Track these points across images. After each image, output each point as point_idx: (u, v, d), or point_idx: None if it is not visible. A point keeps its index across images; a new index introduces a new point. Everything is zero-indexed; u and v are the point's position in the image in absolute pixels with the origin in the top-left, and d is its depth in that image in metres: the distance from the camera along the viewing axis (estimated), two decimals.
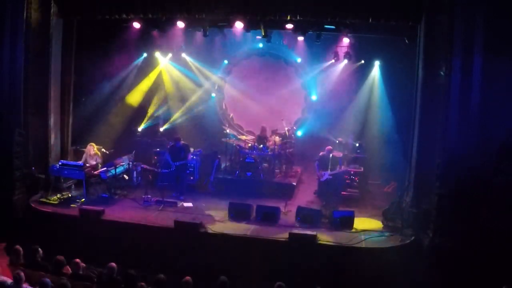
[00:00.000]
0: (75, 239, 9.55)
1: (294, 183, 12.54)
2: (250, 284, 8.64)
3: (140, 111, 14.79)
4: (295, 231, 9.62)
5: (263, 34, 12.05)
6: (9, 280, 6.61)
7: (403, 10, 9.99)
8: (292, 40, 13.82)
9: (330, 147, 11.41)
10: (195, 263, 9.14)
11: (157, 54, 14.60)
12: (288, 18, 10.72)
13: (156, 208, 10.89)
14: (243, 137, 14.13)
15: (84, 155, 11.60)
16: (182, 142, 11.59)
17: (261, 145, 13.17)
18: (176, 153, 11.41)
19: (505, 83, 8.86)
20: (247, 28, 11.85)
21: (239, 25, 11.57)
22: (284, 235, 9.45)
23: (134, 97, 14.68)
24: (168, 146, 12.13)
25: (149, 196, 11.25)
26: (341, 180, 11.91)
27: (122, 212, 10.58)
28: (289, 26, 11.39)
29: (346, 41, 13.16)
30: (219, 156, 13.56)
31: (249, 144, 13.39)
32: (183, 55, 14.74)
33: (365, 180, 12.46)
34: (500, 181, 8.83)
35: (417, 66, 10.14)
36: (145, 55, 14.59)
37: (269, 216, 10.30)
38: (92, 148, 11.54)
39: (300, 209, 10.44)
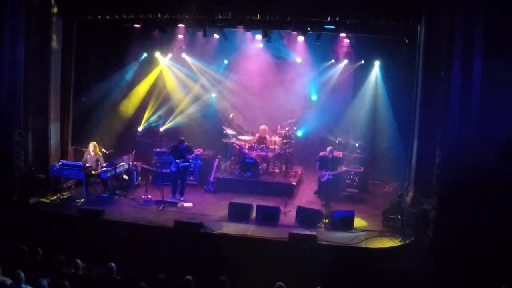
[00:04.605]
0: (75, 239, 9.54)
1: (294, 183, 12.54)
2: (250, 284, 8.63)
3: (140, 111, 14.80)
4: (295, 231, 9.62)
5: (263, 34, 12.06)
6: (9, 280, 6.61)
7: (403, 10, 10.00)
8: (292, 40, 13.82)
9: (331, 147, 11.41)
10: (195, 263, 9.14)
11: (157, 54, 14.61)
12: (288, 18, 10.74)
13: (156, 208, 10.88)
14: (243, 137, 14.13)
15: (85, 154, 11.59)
16: (185, 144, 11.57)
17: (261, 145, 13.17)
18: (178, 154, 11.39)
19: (505, 83, 8.87)
20: (247, 28, 11.86)
21: (238, 25, 11.56)
22: (284, 235, 9.45)
23: (134, 97, 14.68)
24: (169, 147, 12.11)
25: (149, 196, 11.25)
26: (341, 180, 11.94)
27: (122, 212, 10.58)
28: (289, 26, 11.37)
29: (346, 41, 13.18)
30: (219, 156, 13.57)
31: (249, 144, 13.39)
32: (183, 55, 14.75)
33: (365, 180, 12.47)
34: (499, 181, 8.84)
35: (417, 66, 10.14)
36: (145, 55, 14.60)
37: (269, 216, 10.30)
38: (93, 148, 11.52)
39: (300, 209, 10.44)
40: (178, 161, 11.33)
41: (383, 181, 12.96)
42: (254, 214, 10.46)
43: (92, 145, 11.52)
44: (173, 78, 15.04)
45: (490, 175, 8.90)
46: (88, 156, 11.51)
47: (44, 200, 10.80)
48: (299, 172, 13.59)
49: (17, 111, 10.77)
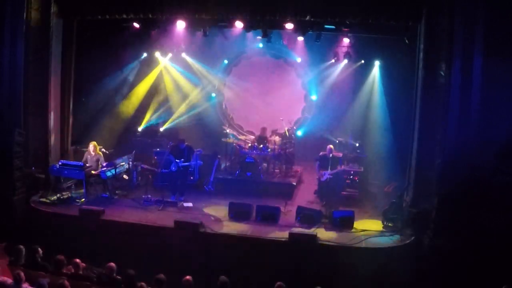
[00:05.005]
0: (75, 239, 9.55)
1: (294, 183, 12.54)
2: (250, 284, 8.64)
3: (140, 111, 14.81)
4: (295, 231, 9.62)
5: (263, 34, 12.05)
6: (9, 280, 6.61)
7: (403, 10, 9.99)
8: (292, 40, 13.82)
9: (331, 146, 11.41)
10: (195, 263, 9.14)
11: (157, 54, 14.61)
12: (288, 18, 10.74)
13: (156, 208, 10.87)
14: (243, 137, 14.13)
15: (86, 154, 11.59)
16: (186, 144, 11.57)
17: (261, 145, 13.18)
18: (179, 154, 11.39)
19: (505, 83, 8.87)
20: (247, 28, 11.86)
21: (239, 25, 11.57)
22: (284, 235, 9.45)
23: (134, 97, 14.69)
24: (169, 147, 12.11)
25: (149, 196, 11.25)
26: (341, 180, 11.93)
27: (122, 212, 10.57)
28: (289, 26, 11.38)
29: (346, 41, 13.18)
30: (219, 156, 13.57)
31: (249, 144, 13.40)
32: (183, 55, 14.75)
33: (365, 180, 12.46)
34: (500, 181, 8.83)
35: (417, 66, 10.14)
36: (145, 55, 14.60)
37: (269, 216, 10.30)
38: (94, 147, 11.51)
39: (300, 209, 10.44)
40: (178, 161, 11.33)
41: (383, 181, 12.94)
42: (254, 214, 10.46)
43: (92, 145, 11.50)
44: (173, 78, 15.04)
45: (490, 175, 8.89)
46: (89, 156, 11.49)
47: (44, 200, 10.79)
48: (299, 172, 13.59)
49: (17, 111, 10.77)
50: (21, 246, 7.52)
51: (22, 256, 7.44)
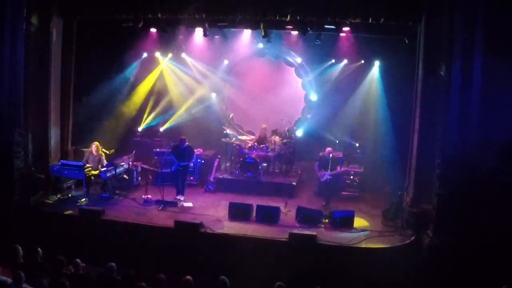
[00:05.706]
0: (75, 239, 9.55)
1: (294, 183, 12.54)
2: (250, 284, 8.64)
3: (140, 111, 14.81)
4: (295, 231, 9.62)
5: (263, 34, 12.06)
6: (9, 280, 6.61)
7: (403, 10, 9.99)
8: (292, 40, 13.82)
9: (330, 148, 11.42)
10: (195, 263, 9.15)
11: (157, 54, 14.61)
12: (288, 18, 10.74)
13: (156, 208, 10.89)
14: (243, 137, 14.12)
15: (87, 154, 11.58)
16: (187, 143, 11.57)
17: (261, 145, 13.18)
18: (180, 154, 11.39)
19: (505, 83, 8.86)
20: (247, 28, 11.84)
21: (239, 25, 11.56)
22: (284, 235, 9.46)
23: (134, 97, 14.69)
24: (169, 147, 12.13)
25: (149, 196, 11.26)
26: (341, 180, 11.95)
27: (122, 212, 10.58)
28: (289, 26, 11.38)
29: (346, 41, 13.17)
30: (219, 156, 13.58)
31: (249, 144, 13.40)
32: (183, 55, 14.75)
33: (365, 180, 12.47)
34: (500, 181, 8.83)
35: (417, 66, 10.14)
36: (145, 55, 14.60)
37: (269, 216, 10.30)
38: (96, 148, 11.50)
39: (300, 209, 10.45)
40: (178, 162, 11.31)
41: (383, 181, 12.94)
42: (254, 214, 10.47)
43: (94, 146, 11.51)
44: (173, 78, 15.03)
45: (490, 175, 8.89)
46: (90, 156, 11.49)
47: (44, 200, 10.79)
48: (299, 172, 13.60)
49: (17, 111, 10.75)
50: (18, 246, 7.52)
51: (20, 256, 7.43)
